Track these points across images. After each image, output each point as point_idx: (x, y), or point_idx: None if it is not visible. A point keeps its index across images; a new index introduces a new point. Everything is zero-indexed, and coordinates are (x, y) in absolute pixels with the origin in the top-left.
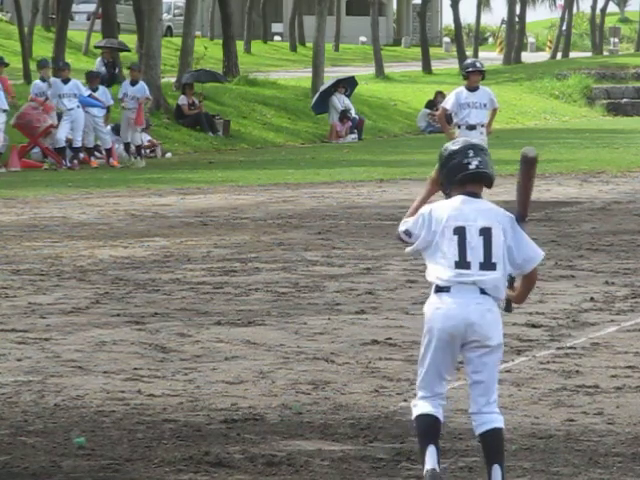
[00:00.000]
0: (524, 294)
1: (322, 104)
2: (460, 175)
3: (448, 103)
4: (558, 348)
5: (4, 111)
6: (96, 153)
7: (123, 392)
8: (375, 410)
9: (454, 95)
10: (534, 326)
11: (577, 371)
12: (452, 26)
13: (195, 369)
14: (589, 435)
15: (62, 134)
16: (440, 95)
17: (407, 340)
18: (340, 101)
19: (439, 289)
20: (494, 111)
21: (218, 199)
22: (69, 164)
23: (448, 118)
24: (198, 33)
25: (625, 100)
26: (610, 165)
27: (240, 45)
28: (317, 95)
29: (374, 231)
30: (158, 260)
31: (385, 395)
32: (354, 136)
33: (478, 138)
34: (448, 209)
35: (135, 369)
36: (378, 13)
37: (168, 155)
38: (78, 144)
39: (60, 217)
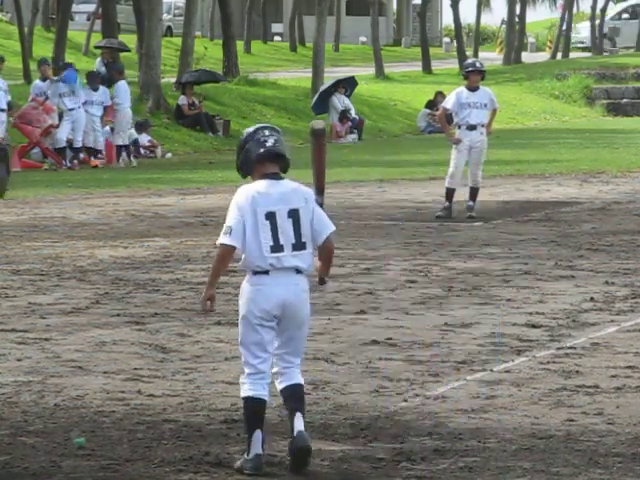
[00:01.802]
0: (326, 265)
1: (322, 104)
2: (258, 152)
3: (449, 103)
4: (558, 348)
5: (2, 110)
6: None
7: (123, 392)
8: (375, 410)
9: (455, 95)
10: (534, 326)
11: (577, 371)
12: (452, 26)
13: (195, 369)
14: (589, 435)
15: (63, 134)
16: (440, 95)
17: (407, 340)
18: (340, 101)
19: (257, 272)
20: (494, 111)
21: (218, 199)
22: (69, 164)
23: (448, 118)
24: (198, 33)
25: (625, 100)
26: (610, 165)
27: (240, 45)
28: (317, 95)
29: (374, 231)
30: (158, 260)
31: (385, 395)
32: (354, 136)
33: (478, 138)
34: (256, 193)
35: (135, 369)
36: (378, 13)
37: (168, 155)
38: (78, 144)
39: (60, 217)
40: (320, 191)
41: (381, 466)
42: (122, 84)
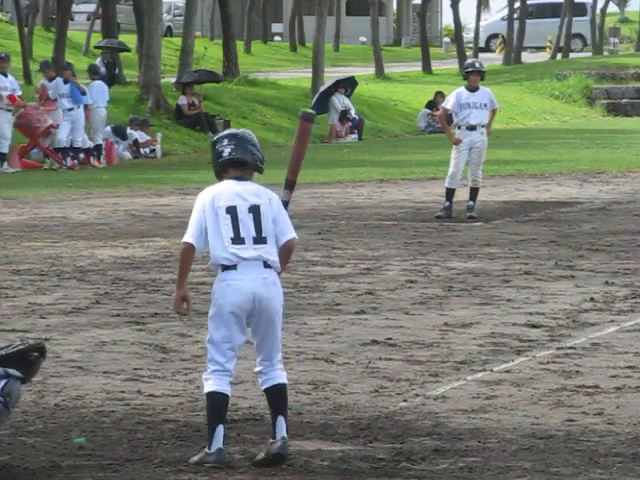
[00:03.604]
0: (283, 260)
1: (322, 104)
2: (218, 162)
3: (449, 103)
4: (558, 348)
5: (8, 111)
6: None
7: (123, 392)
8: (375, 410)
9: (455, 95)
10: (534, 326)
11: (577, 371)
12: (452, 26)
13: (195, 369)
14: (589, 435)
15: (63, 134)
16: (440, 95)
17: (407, 340)
18: (340, 101)
19: (226, 267)
20: (494, 112)
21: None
22: (68, 164)
23: (448, 118)
24: (198, 33)
25: (625, 100)
26: (610, 165)
27: (240, 45)
28: (317, 95)
29: (374, 231)
30: (158, 260)
31: (385, 395)
32: (354, 136)
33: (479, 138)
34: (218, 191)
35: (135, 369)
36: (378, 13)
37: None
38: (78, 144)
39: (60, 217)
40: (290, 185)
41: (381, 466)
42: (95, 84)
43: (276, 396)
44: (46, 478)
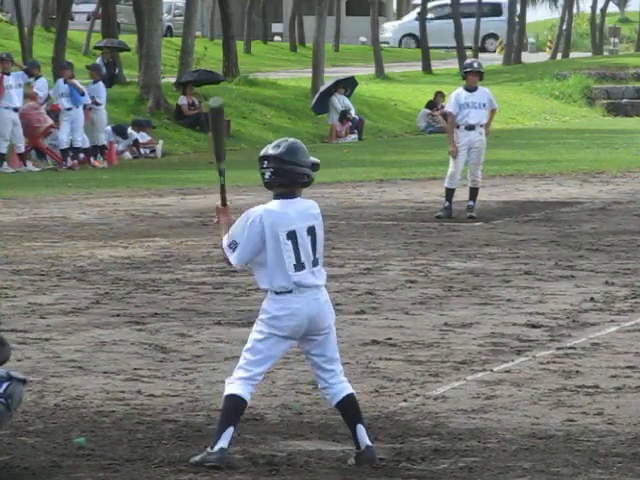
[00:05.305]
0: None
1: (322, 104)
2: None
3: (451, 106)
4: (558, 348)
5: (15, 110)
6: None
7: (123, 392)
8: (375, 410)
9: (454, 97)
10: (534, 326)
11: (577, 371)
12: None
13: (195, 369)
14: (589, 435)
15: (63, 135)
16: (440, 95)
17: (407, 340)
18: (340, 101)
19: (280, 292)
20: (493, 112)
21: (218, 199)
22: (68, 164)
23: (447, 119)
24: (198, 33)
25: (625, 100)
26: (610, 165)
27: (240, 45)
28: (317, 95)
29: (374, 231)
30: (158, 260)
31: (385, 395)
32: (354, 136)
33: (477, 138)
34: (275, 215)
35: (135, 369)
36: (378, 13)
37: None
38: (78, 144)
39: (60, 217)
40: (219, 159)
41: (381, 466)
42: (101, 84)
43: (349, 408)
44: (46, 478)
